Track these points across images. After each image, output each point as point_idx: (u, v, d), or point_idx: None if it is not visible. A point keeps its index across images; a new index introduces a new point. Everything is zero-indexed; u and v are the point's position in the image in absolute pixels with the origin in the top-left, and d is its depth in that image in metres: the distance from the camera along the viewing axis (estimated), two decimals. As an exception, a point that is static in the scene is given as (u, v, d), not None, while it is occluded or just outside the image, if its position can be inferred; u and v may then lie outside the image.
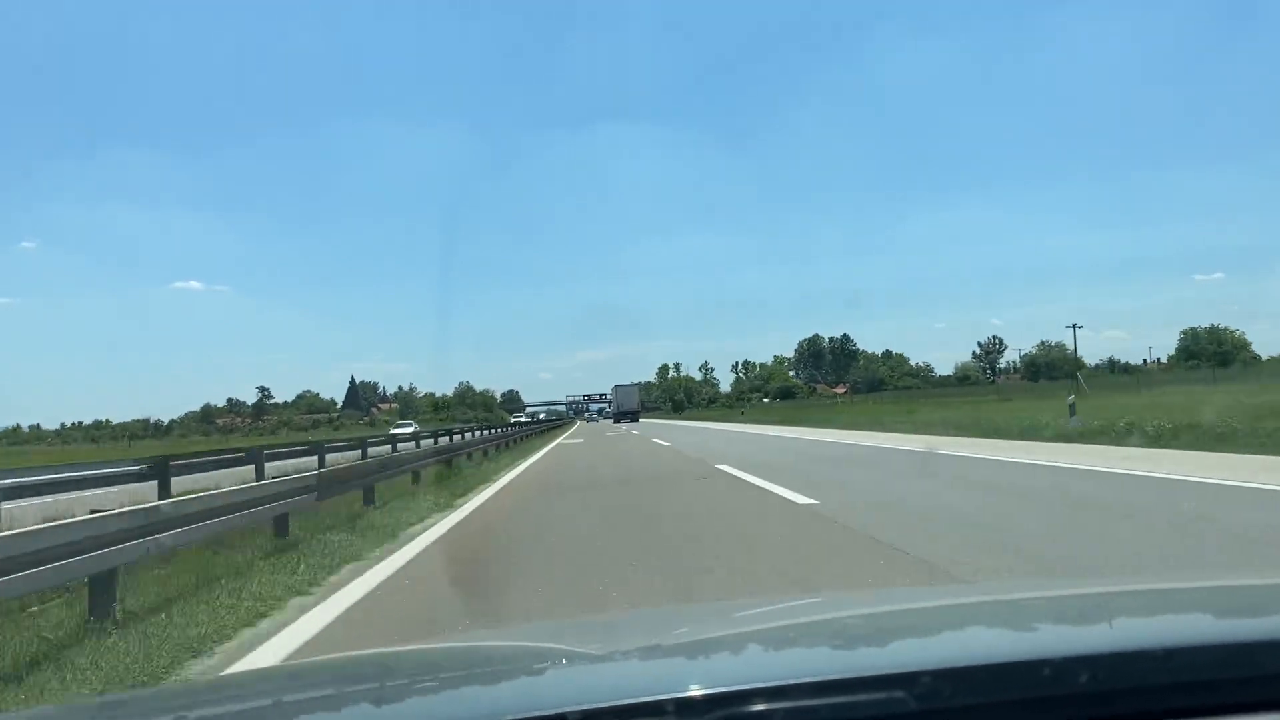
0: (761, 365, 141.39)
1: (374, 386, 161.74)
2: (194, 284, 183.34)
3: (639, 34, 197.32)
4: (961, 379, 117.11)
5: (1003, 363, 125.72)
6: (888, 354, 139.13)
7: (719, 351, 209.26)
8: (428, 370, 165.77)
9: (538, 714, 0.97)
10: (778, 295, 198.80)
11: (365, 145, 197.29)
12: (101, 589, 5.16)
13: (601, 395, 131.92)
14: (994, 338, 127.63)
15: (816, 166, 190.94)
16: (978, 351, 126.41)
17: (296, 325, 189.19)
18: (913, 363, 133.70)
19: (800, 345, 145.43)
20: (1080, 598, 1.81)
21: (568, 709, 0.96)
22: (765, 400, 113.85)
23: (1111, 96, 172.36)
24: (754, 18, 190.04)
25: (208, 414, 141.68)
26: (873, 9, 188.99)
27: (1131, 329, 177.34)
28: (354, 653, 3.08)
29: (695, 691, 0.99)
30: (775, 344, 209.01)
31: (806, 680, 1.00)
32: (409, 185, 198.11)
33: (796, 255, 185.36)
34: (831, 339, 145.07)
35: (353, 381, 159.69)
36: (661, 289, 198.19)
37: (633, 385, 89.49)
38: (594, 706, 0.97)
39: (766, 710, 0.95)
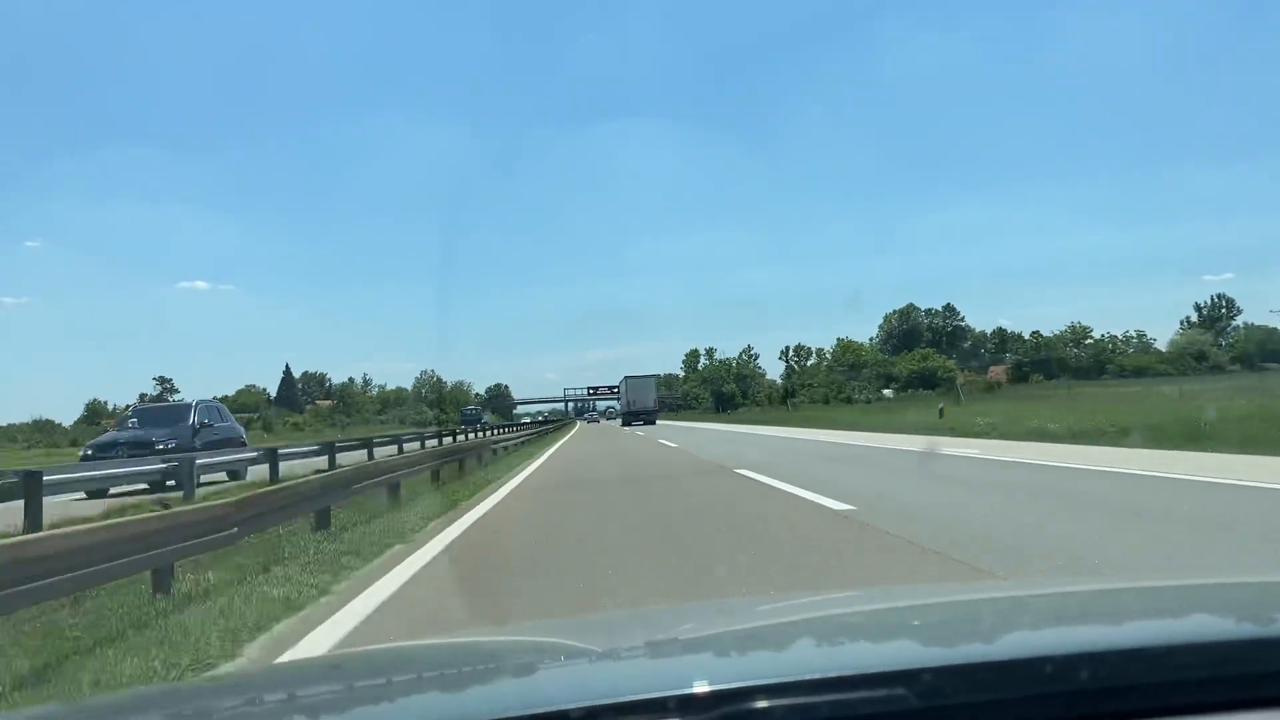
0: (818, 350, 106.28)
1: (321, 379, 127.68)
2: (200, 284, 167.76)
3: (644, 30, 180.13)
4: (1198, 357, 77.96)
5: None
6: (999, 331, 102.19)
7: (733, 350, 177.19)
8: (432, 370, 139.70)
9: (540, 711, 0.96)
10: (787, 292, 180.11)
11: (369, 144, 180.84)
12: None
13: (611, 389, 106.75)
14: (1220, 296, 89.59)
15: (828, 160, 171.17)
16: (1194, 319, 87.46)
17: (301, 325, 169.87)
18: (1095, 335, 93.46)
19: (887, 319, 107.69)
20: (1081, 595, 1.80)
21: (570, 706, 0.95)
22: (886, 391, 75.97)
23: (1121, 92, 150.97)
24: (760, 12, 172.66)
25: (96, 412, 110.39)
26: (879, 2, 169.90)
27: (1135, 329, 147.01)
28: (355, 649, 3.20)
29: (697, 688, 0.98)
30: (802, 339, 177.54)
31: (809, 677, 0.99)
32: (415, 184, 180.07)
33: (811, 250, 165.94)
34: (929, 310, 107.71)
35: (287, 371, 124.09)
36: (670, 287, 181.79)
37: (648, 377, 70.73)
38: (596, 704, 0.96)
39: (769, 707, 0.94)
